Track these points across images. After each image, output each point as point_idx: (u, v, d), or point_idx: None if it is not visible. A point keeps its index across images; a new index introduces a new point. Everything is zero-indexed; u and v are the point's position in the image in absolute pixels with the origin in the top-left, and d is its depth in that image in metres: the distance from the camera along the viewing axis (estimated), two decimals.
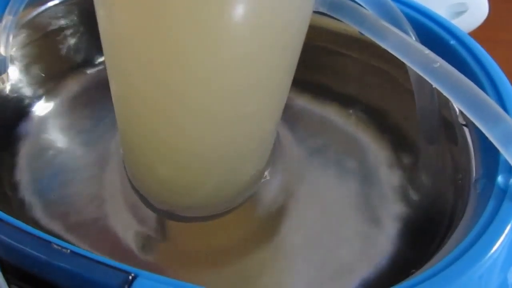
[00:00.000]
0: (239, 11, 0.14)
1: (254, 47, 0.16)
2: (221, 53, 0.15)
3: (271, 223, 0.23)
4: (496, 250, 0.16)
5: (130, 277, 0.13)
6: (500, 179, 0.17)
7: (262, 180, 0.25)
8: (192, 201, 0.23)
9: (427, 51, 0.18)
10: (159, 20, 0.15)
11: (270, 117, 0.20)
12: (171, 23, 0.15)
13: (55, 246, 0.14)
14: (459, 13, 0.31)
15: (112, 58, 0.18)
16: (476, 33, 0.34)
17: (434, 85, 0.17)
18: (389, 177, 0.25)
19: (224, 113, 0.18)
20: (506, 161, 0.17)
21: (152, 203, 0.23)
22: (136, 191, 0.24)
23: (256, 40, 0.16)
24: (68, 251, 0.14)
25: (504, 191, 0.17)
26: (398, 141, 0.26)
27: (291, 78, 0.19)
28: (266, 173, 0.25)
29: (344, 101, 0.28)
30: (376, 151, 0.26)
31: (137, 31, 0.16)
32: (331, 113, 0.28)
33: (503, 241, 0.16)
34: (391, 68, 0.25)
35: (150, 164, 0.22)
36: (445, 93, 0.17)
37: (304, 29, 0.18)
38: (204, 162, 0.20)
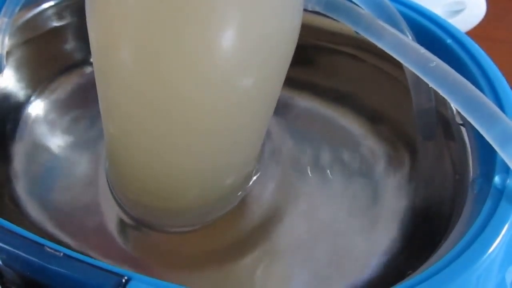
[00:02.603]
0: (226, 33, 0.15)
1: (240, 77, 0.17)
2: (207, 78, 0.16)
3: (263, 226, 0.23)
4: (493, 251, 0.16)
5: (124, 280, 0.13)
6: (497, 179, 0.17)
7: (252, 182, 0.25)
8: (176, 209, 0.23)
9: (423, 50, 0.18)
10: (149, 54, 0.16)
11: (256, 131, 0.21)
12: (158, 55, 0.16)
13: (48, 249, 0.14)
14: (457, 12, 0.31)
15: (101, 78, 0.19)
16: (474, 31, 0.34)
17: (431, 84, 0.17)
18: (386, 177, 0.25)
19: (210, 130, 0.18)
20: (503, 161, 0.17)
21: (135, 216, 0.23)
22: (122, 208, 0.24)
23: (242, 73, 0.16)
24: (61, 254, 0.14)
25: (501, 192, 0.16)
26: (396, 139, 0.26)
27: (277, 96, 0.20)
28: (256, 175, 0.25)
29: (341, 99, 0.28)
30: (373, 150, 0.26)
31: (125, 58, 0.16)
32: (327, 111, 0.28)
33: (500, 241, 0.16)
34: (388, 66, 0.25)
35: (135, 175, 0.22)
36: (441, 93, 0.17)
37: (289, 57, 0.18)
38: (187, 172, 0.21)
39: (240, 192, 0.24)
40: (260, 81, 0.17)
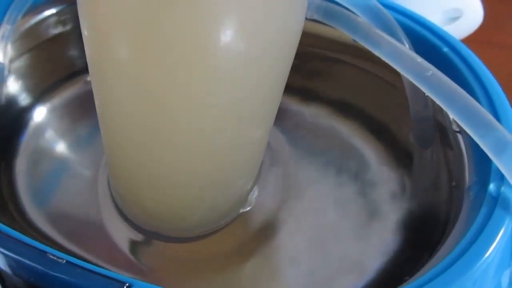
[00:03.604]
0: (229, 27, 0.14)
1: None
2: (211, 69, 0.16)
3: (264, 234, 0.23)
4: (489, 256, 0.16)
5: (125, 287, 0.14)
6: (492, 186, 0.17)
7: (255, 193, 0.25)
8: (180, 226, 0.23)
9: (419, 59, 0.18)
10: (147, 36, 0.15)
11: (261, 128, 0.20)
12: (159, 41, 0.15)
13: (50, 256, 0.14)
14: (454, 19, 0.32)
15: (97, 80, 0.18)
16: (474, 37, 0.34)
17: (427, 93, 0.17)
18: (383, 184, 0.25)
19: (211, 145, 0.18)
20: (498, 169, 0.17)
21: (140, 226, 0.23)
22: (123, 216, 0.24)
23: (247, 57, 0.16)
24: (64, 261, 0.14)
25: (495, 199, 0.17)
26: (393, 146, 0.26)
27: (281, 91, 0.20)
28: (256, 186, 0.25)
29: (339, 106, 0.28)
30: (371, 157, 0.26)
31: (123, 53, 0.16)
32: (325, 118, 0.28)
33: (495, 247, 0.16)
34: (386, 74, 0.25)
35: (137, 195, 0.22)
36: (437, 102, 0.17)
37: (296, 42, 0.18)
38: (190, 190, 0.20)
39: (247, 200, 0.24)
40: (262, 85, 0.17)
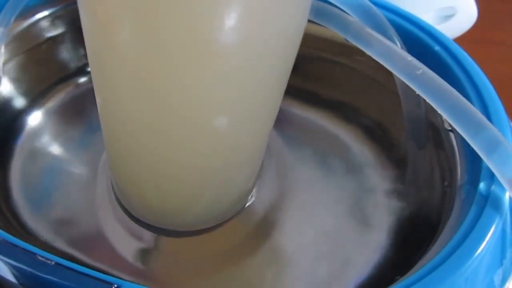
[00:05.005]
0: (231, 21, 0.14)
1: (246, 59, 0.16)
2: (213, 63, 0.15)
3: (264, 232, 0.23)
4: (479, 254, 0.16)
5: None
6: (482, 185, 0.17)
7: (253, 191, 0.25)
8: (181, 221, 0.23)
9: (410, 57, 0.18)
10: (149, 31, 0.15)
11: (262, 127, 0.20)
12: (161, 34, 0.14)
13: (39, 257, 0.14)
14: (448, 17, 0.32)
15: (98, 70, 0.18)
16: (468, 34, 0.34)
17: (417, 91, 0.17)
18: (378, 184, 0.25)
19: (215, 124, 0.18)
20: (489, 168, 0.17)
21: (141, 220, 0.23)
22: (125, 209, 0.24)
23: (248, 52, 0.16)
24: (53, 262, 0.14)
25: (486, 197, 0.17)
26: (389, 147, 0.26)
27: (284, 88, 0.19)
28: (256, 184, 0.25)
29: (332, 107, 0.28)
30: (367, 158, 0.26)
31: (125, 43, 0.15)
32: (319, 119, 0.28)
33: (485, 245, 0.16)
34: (378, 73, 0.25)
35: (140, 194, 0.22)
36: (428, 100, 0.17)
37: (299, 37, 0.17)
38: (193, 179, 0.20)
39: (248, 197, 0.24)
40: (269, 68, 0.17)
